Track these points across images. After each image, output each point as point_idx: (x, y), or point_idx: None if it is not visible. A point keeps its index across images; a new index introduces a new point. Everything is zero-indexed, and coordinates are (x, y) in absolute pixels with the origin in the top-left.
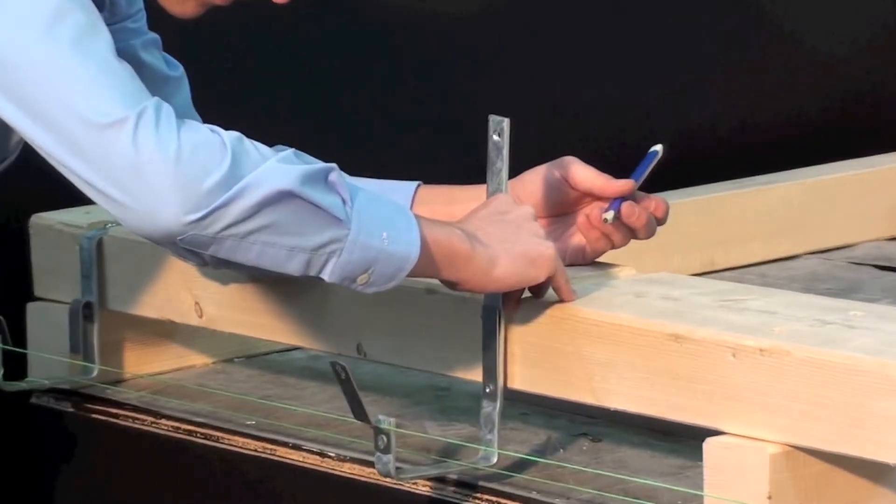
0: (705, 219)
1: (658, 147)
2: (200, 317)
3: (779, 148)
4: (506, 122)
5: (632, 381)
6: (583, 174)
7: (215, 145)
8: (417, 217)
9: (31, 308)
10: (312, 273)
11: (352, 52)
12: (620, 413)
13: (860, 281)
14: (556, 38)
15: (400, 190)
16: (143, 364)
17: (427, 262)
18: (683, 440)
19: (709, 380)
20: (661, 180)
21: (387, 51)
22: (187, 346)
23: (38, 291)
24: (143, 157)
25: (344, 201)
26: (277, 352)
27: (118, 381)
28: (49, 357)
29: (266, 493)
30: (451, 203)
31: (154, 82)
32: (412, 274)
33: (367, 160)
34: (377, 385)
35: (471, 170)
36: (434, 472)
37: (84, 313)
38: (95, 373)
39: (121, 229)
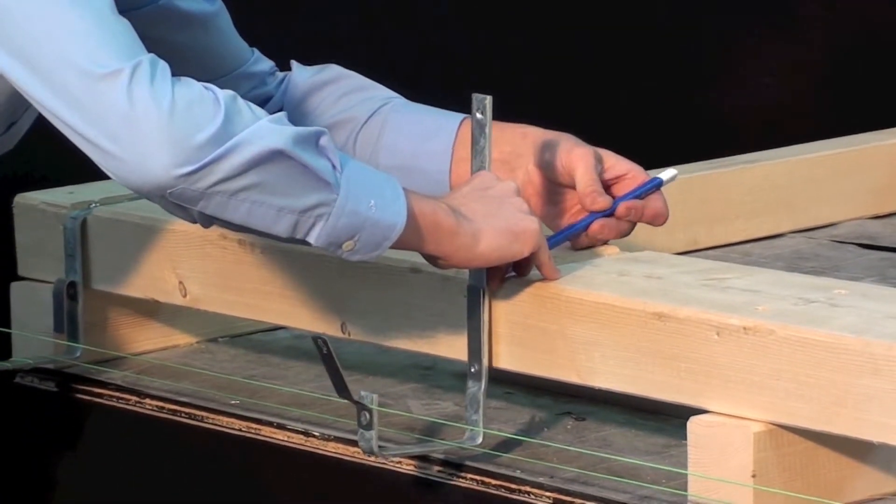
0: (689, 197)
1: (666, 174)
2: (184, 296)
3: (762, 127)
4: (488, 100)
5: (616, 360)
6: (581, 173)
7: (209, 101)
8: (405, 189)
9: (15, 287)
10: (299, 236)
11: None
12: (604, 392)
13: (844, 259)
14: (539, 24)
15: (442, 125)
16: (128, 344)
17: (412, 234)
18: (667, 419)
19: (693, 358)
20: (646, 160)
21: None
22: (171, 326)
23: (22, 271)
24: (137, 108)
25: (334, 166)
26: (262, 331)
27: (102, 361)
28: (33, 337)
29: (250, 473)
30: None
31: (190, 25)
32: (397, 245)
33: None
34: (361, 364)
35: None
36: (417, 450)
37: (68, 293)
38: (80, 352)
39: (105, 209)
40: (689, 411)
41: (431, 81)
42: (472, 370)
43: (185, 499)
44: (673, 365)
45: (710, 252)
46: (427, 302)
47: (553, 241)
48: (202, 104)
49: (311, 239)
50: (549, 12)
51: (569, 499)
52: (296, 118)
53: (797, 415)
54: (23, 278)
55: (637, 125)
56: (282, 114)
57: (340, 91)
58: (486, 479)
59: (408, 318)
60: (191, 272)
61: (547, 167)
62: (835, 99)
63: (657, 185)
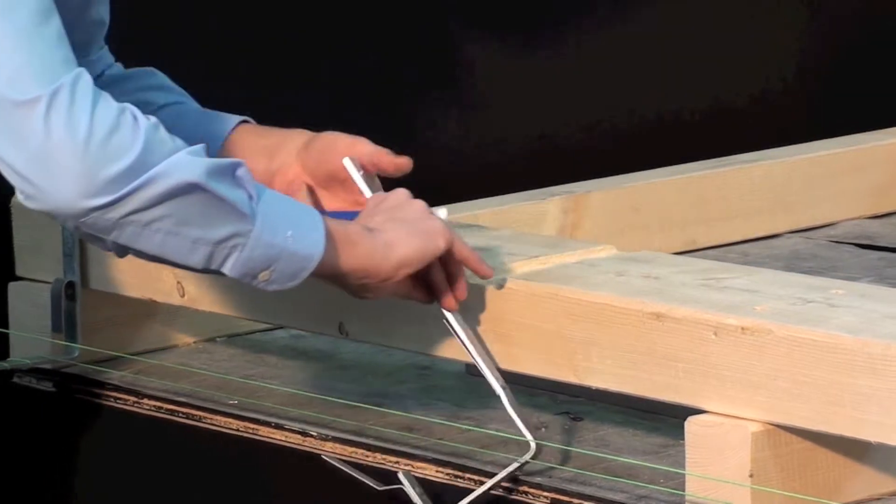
0: (687, 197)
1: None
2: (182, 296)
3: (759, 127)
4: (346, 161)
5: (613, 360)
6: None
7: (127, 129)
8: (323, 216)
9: (13, 287)
10: (214, 266)
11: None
12: (602, 392)
13: (841, 259)
14: (535, 24)
15: (225, 118)
16: (126, 344)
17: (331, 259)
18: (665, 419)
19: (690, 358)
20: (643, 160)
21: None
22: (169, 326)
23: (20, 271)
24: (53, 138)
25: (250, 196)
26: (259, 331)
27: (100, 361)
28: (31, 337)
29: (248, 473)
30: (260, 137)
31: None
32: (316, 273)
33: None
34: (359, 364)
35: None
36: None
37: (66, 293)
38: (77, 353)
39: None
40: (686, 411)
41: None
42: (500, 389)
43: (182, 499)
44: (670, 365)
45: (707, 252)
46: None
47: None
48: (120, 133)
49: (226, 270)
50: (542, 6)
51: (566, 498)
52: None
53: (795, 415)
54: (21, 278)
55: (633, 125)
56: (200, 146)
57: (147, 80)
58: (484, 479)
59: (406, 318)
60: (188, 272)
61: (321, 155)
62: (833, 99)
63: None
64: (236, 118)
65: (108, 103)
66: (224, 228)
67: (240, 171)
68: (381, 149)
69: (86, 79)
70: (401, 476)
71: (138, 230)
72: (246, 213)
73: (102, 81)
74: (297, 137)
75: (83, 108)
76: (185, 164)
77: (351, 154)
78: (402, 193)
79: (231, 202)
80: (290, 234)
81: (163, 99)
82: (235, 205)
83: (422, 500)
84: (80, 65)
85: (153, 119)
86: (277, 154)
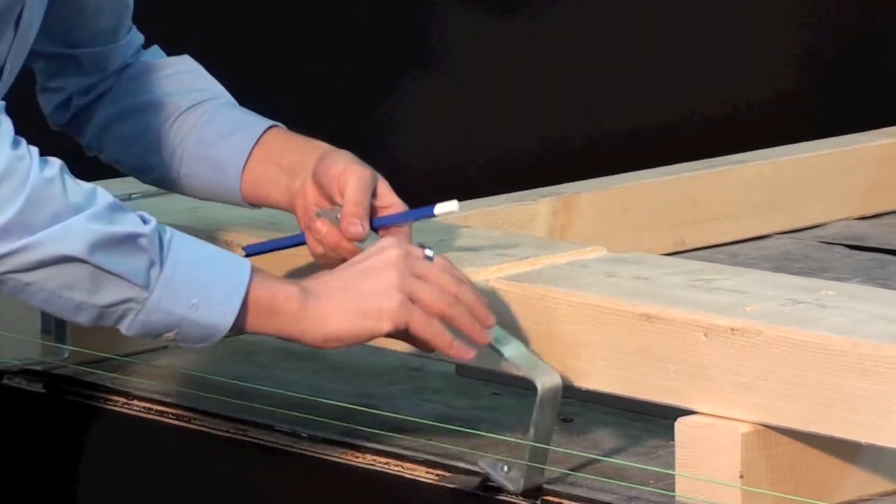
0: (676, 198)
1: (442, 208)
2: None
3: (749, 127)
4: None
5: (603, 361)
6: (351, 188)
7: (13, 182)
8: (252, 276)
9: None
10: (108, 324)
11: None
12: (592, 393)
13: (831, 260)
14: (526, 23)
15: (252, 125)
16: (115, 345)
17: (249, 327)
18: (655, 420)
19: (680, 359)
20: (633, 160)
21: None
22: None
23: None
24: None
25: (152, 264)
26: None
27: (90, 363)
28: (20, 338)
29: (238, 474)
30: (284, 151)
31: None
32: (234, 334)
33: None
34: (349, 365)
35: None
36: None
37: None
38: (67, 354)
39: None
40: (676, 412)
41: None
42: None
43: (173, 500)
44: (660, 366)
45: (697, 253)
46: None
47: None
48: (5, 185)
49: (122, 329)
50: (538, 11)
51: (556, 500)
52: (131, 88)
53: (785, 415)
54: None
55: (625, 125)
56: (105, 205)
57: (176, 76)
58: (474, 480)
59: None
60: None
61: (324, 178)
62: (822, 100)
63: (427, 214)
64: (262, 126)
65: (3, 148)
66: (112, 296)
67: (142, 240)
68: (361, 187)
69: None
70: (482, 464)
71: (19, 287)
72: (139, 284)
73: (134, 70)
74: (314, 153)
75: None
76: (69, 234)
77: (341, 179)
78: (389, 250)
79: (119, 274)
80: (195, 303)
81: (189, 100)
82: (125, 276)
83: (510, 481)
84: (108, 51)
85: (56, 167)
86: (298, 173)
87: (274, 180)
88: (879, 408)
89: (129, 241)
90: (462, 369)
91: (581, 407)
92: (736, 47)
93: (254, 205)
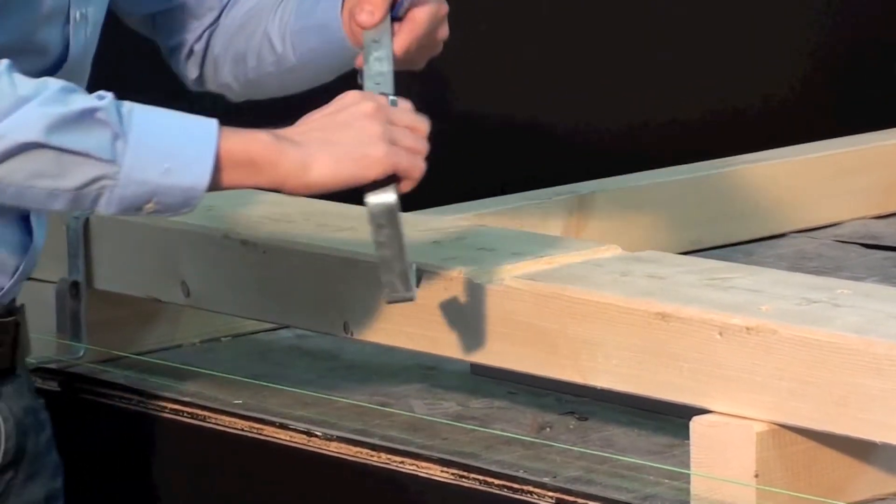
0: (692, 197)
1: None
2: (187, 296)
3: (764, 126)
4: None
5: (618, 360)
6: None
7: None
8: (221, 130)
9: None
10: (85, 208)
11: None
12: (607, 391)
13: (847, 259)
14: (541, 24)
15: None
16: (130, 343)
17: (228, 183)
18: (670, 418)
19: (695, 358)
20: (649, 159)
21: None
22: (174, 326)
23: None
24: None
25: (115, 136)
26: (264, 331)
27: (105, 361)
28: (36, 336)
29: (252, 473)
30: None
31: None
32: (214, 190)
33: None
34: (363, 364)
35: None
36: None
37: (71, 293)
38: (83, 352)
39: None
40: (691, 411)
41: None
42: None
43: (187, 498)
44: (675, 365)
45: (712, 252)
46: (430, 302)
47: None
48: None
49: (100, 209)
50: (550, 11)
51: (571, 499)
52: (231, 10)
53: (800, 415)
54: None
55: (640, 124)
56: (57, 88)
57: None
58: (489, 479)
59: (410, 317)
60: (193, 272)
61: None
62: (837, 99)
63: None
64: None
65: None
66: (82, 176)
67: (100, 114)
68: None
69: None
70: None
71: None
72: (105, 158)
73: None
74: None
75: None
76: (23, 121)
77: None
78: (363, 102)
79: (83, 152)
80: (167, 167)
81: None
82: (90, 153)
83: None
84: None
85: (1, 66)
86: None
87: None
88: (894, 407)
89: (85, 117)
90: (477, 368)
91: (596, 406)
92: (751, 46)
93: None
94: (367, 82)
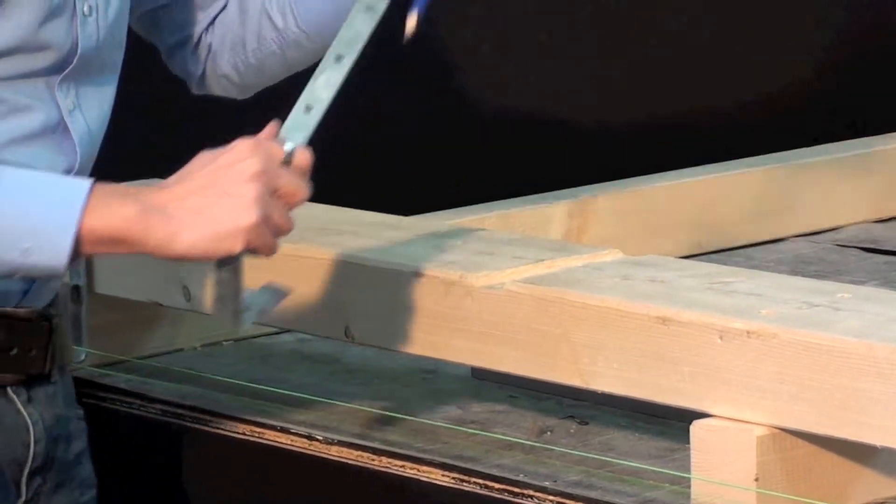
0: (692, 201)
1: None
2: (188, 300)
3: (764, 130)
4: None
5: (619, 364)
6: None
7: None
8: (84, 206)
9: None
10: None
11: None
12: (607, 395)
13: (847, 263)
14: (538, 33)
15: None
16: (132, 347)
17: (92, 252)
18: (670, 422)
19: (696, 362)
20: (649, 162)
21: None
22: (175, 330)
23: None
24: None
25: None
26: (265, 335)
27: (107, 365)
28: None
29: (254, 476)
30: None
31: None
32: (84, 257)
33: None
34: (364, 368)
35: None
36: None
37: (72, 297)
38: (84, 356)
39: None
40: (692, 415)
41: None
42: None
43: (189, 502)
44: (676, 369)
45: (713, 256)
46: (431, 306)
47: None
48: None
49: None
50: (554, 14)
51: (572, 502)
52: None
53: (800, 418)
54: None
55: (641, 127)
56: None
57: None
58: (490, 483)
59: (411, 322)
60: (194, 276)
61: None
62: (837, 103)
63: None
64: None
65: None
66: None
67: None
68: None
69: None
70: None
71: None
72: None
73: None
74: None
75: None
76: None
77: None
78: (251, 160)
79: None
80: (26, 247)
81: None
82: None
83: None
84: None
85: None
86: None
87: None
88: (894, 411)
89: None
90: (478, 372)
91: (596, 410)
92: (751, 50)
93: None
94: (297, 106)
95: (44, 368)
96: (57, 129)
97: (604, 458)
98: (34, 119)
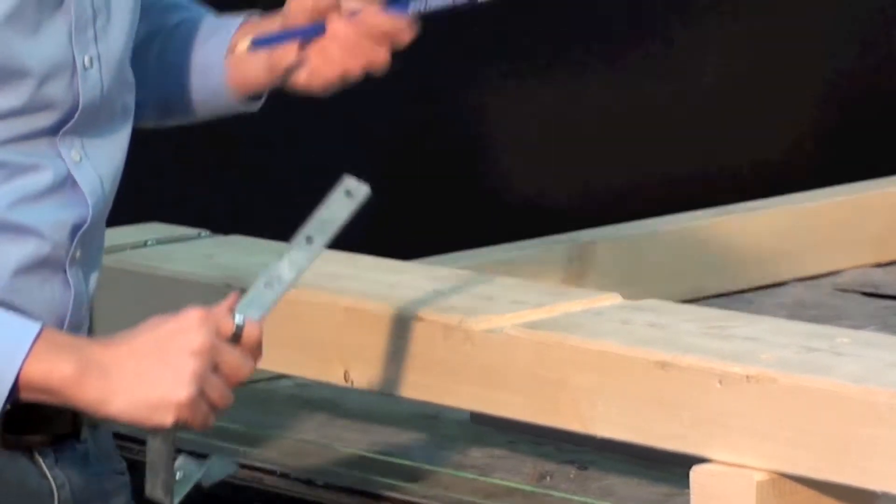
0: (692, 245)
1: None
2: None
3: (764, 175)
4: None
5: (618, 409)
6: None
7: None
8: (29, 352)
9: None
10: None
11: None
12: (607, 440)
13: (846, 308)
14: (544, 74)
15: (226, 28)
16: None
17: (28, 398)
18: (670, 468)
19: (695, 407)
20: (648, 207)
21: None
22: None
23: None
24: None
25: None
26: (264, 380)
27: None
28: None
29: None
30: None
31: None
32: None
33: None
34: (364, 413)
35: None
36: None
37: None
38: None
39: (107, 258)
40: (691, 460)
41: None
42: None
43: None
44: (675, 414)
45: (712, 300)
46: (430, 350)
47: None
48: None
49: None
50: (553, 64)
51: None
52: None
53: (800, 463)
54: None
55: (640, 173)
56: None
57: (161, 5)
58: None
59: (411, 366)
60: None
61: None
62: (835, 147)
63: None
64: (238, 20)
65: None
66: None
67: None
68: None
69: None
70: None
71: None
72: None
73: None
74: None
75: None
76: None
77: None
78: (191, 325)
79: None
80: None
81: (174, 18)
82: None
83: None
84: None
85: None
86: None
87: (255, 58)
88: (894, 456)
89: None
90: (477, 417)
91: (596, 454)
92: (754, 94)
93: (245, 95)
94: (258, 281)
95: (72, 428)
96: (65, 183)
97: (603, 503)
98: (42, 177)
